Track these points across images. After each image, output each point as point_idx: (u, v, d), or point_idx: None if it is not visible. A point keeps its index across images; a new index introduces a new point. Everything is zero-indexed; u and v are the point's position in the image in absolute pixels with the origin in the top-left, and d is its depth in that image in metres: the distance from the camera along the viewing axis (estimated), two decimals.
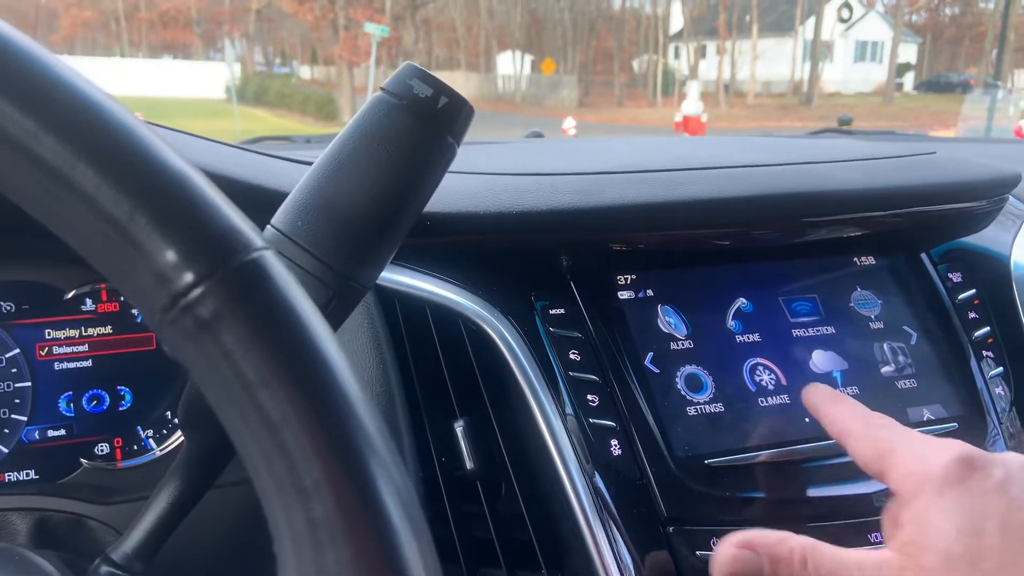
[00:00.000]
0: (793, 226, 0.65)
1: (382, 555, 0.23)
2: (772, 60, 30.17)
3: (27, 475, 0.63)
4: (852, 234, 0.68)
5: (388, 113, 0.41)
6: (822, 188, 0.63)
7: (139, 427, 0.66)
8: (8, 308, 0.62)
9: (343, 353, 0.26)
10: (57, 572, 0.44)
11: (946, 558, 0.36)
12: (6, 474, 0.62)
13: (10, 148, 0.23)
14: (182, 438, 0.66)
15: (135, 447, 0.65)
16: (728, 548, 0.41)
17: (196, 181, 0.25)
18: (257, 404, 0.24)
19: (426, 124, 0.41)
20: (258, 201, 0.54)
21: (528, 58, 35.57)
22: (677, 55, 35.57)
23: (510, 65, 35.33)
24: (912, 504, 0.39)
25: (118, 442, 0.65)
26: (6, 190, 0.25)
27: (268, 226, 0.41)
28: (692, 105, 11.71)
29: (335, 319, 0.42)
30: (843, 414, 0.47)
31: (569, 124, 10.65)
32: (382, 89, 0.42)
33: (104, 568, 0.45)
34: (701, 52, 32.87)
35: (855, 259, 0.69)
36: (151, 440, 0.66)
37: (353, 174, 0.40)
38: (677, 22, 34.81)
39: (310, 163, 0.63)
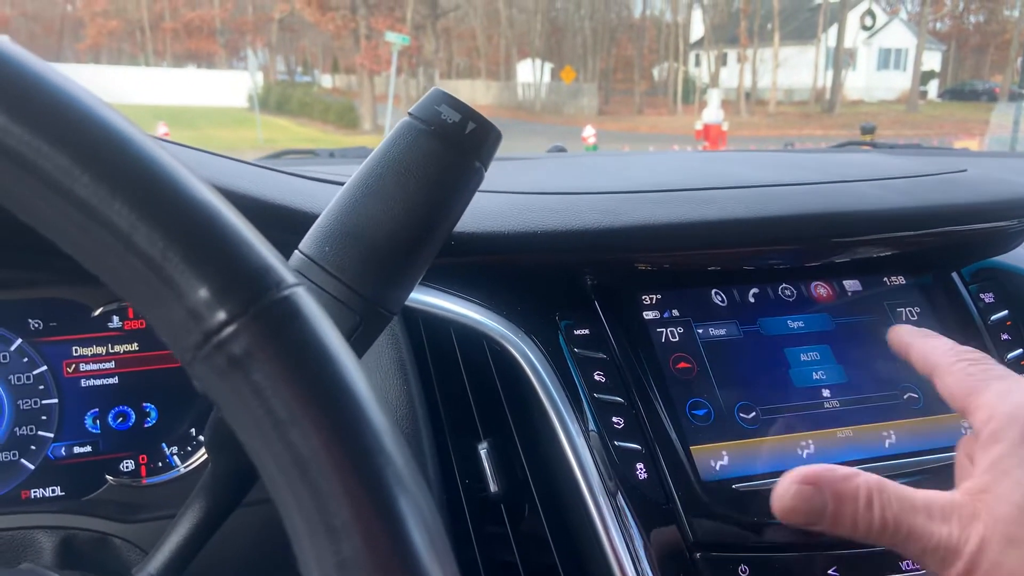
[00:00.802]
0: (823, 246, 0.64)
1: None
2: (794, 68, 30.02)
3: (52, 492, 0.63)
4: (883, 254, 0.67)
5: (416, 138, 0.41)
6: (852, 208, 0.62)
7: (164, 444, 0.66)
8: (36, 325, 0.63)
9: (372, 390, 0.26)
10: None
11: (1022, 509, 0.34)
12: (32, 490, 0.63)
13: (44, 185, 0.23)
14: (207, 455, 0.66)
15: (160, 464, 0.66)
16: (790, 483, 0.38)
17: (228, 217, 0.25)
18: (287, 442, 0.23)
19: (454, 149, 0.41)
20: (285, 222, 0.55)
21: (548, 66, 35.64)
22: (698, 63, 35.50)
23: (530, 73, 35.40)
24: (992, 448, 0.37)
25: (143, 459, 0.65)
26: (40, 226, 0.25)
27: (296, 251, 0.41)
28: (713, 113, 11.66)
29: (361, 344, 0.41)
30: (934, 347, 0.45)
31: (589, 132, 10.64)
32: (409, 114, 0.42)
33: None
34: (722, 60, 32.77)
35: (885, 279, 0.68)
36: (176, 457, 0.66)
37: (381, 200, 0.40)
38: (698, 30, 34.75)
39: (336, 182, 0.63)
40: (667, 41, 36.51)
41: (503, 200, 0.62)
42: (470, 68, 44.27)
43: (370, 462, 0.24)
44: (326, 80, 42.29)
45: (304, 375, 0.24)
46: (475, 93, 36.08)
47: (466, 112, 0.41)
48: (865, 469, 0.49)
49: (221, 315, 0.23)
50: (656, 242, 0.60)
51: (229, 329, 0.23)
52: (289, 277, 0.25)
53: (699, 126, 11.83)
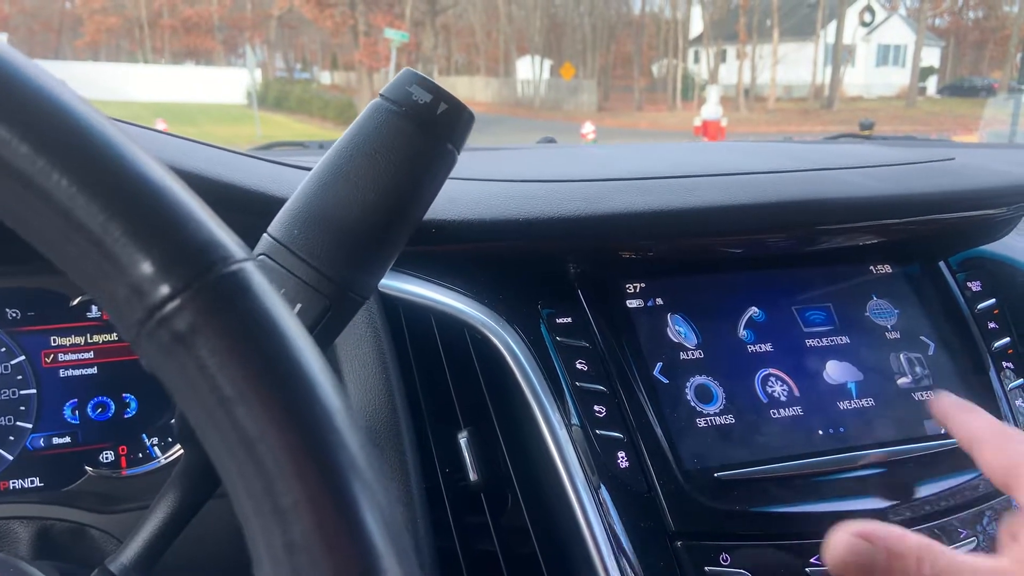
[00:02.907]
0: (807, 233, 0.63)
1: None
2: (793, 64, 29.97)
3: (32, 483, 0.63)
4: (868, 242, 0.67)
5: (386, 119, 0.40)
6: (835, 195, 0.62)
7: (144, 435, 0.65)
8: (14, 315, 0.62)
9: (326, 367, 0.25)
10: None
11: None
12: (10, 481, 0.62)
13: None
14: None
15: (140, 455, 0.65)
16: (846, 536, 0.39)
17: (175, 191, 0.24)
18: (234, 420, 0.23)
19: (425, 130, 0.40)
20: (261, 207, 0.54)
21: (547, 63, 35.57)
22: (697, 59, 35.43)
23: (529, 70, 35.34)
24: None
25: (123, 450, 0.65)
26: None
27: (265, 234, 0.41)
28: (712, 109, 11.65)
29: (332, 329, 0.41)
30: (975, 423, 0.45)
31: (588, 129, 10.63)
32: (380, 95, 0.41)
33: None
34: (721, 56, 32.71)
35: (871, 267, 0.68)
36: (156, 448, 0.65)
37: (350, 182, 0.40)
38: (697, 26, 34.69)
39: (308, 168, 0.63)
40: (666, 37, 36.44)
41: (484, 187, 0.61)
42: (469, 65, 44.19)
43: (321, 441, 0.23)
44: (325, 77, 42.21)
45: (251, 351, 0.23)
46: (474, 90, 36.02)
47: (438, 93, 0.40)
48: (854, 460, 0.48)
49: (164, 290, 0.23)
50: (638, 229, 0.59)
51: (173, 304, 0.23)
52: (238, 252, 0.25)
53: (698, 122, 11.81)
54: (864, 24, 30.53)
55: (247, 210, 0.52)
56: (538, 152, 0.86)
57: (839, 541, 0.39)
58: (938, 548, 0.38)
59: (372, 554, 0.23)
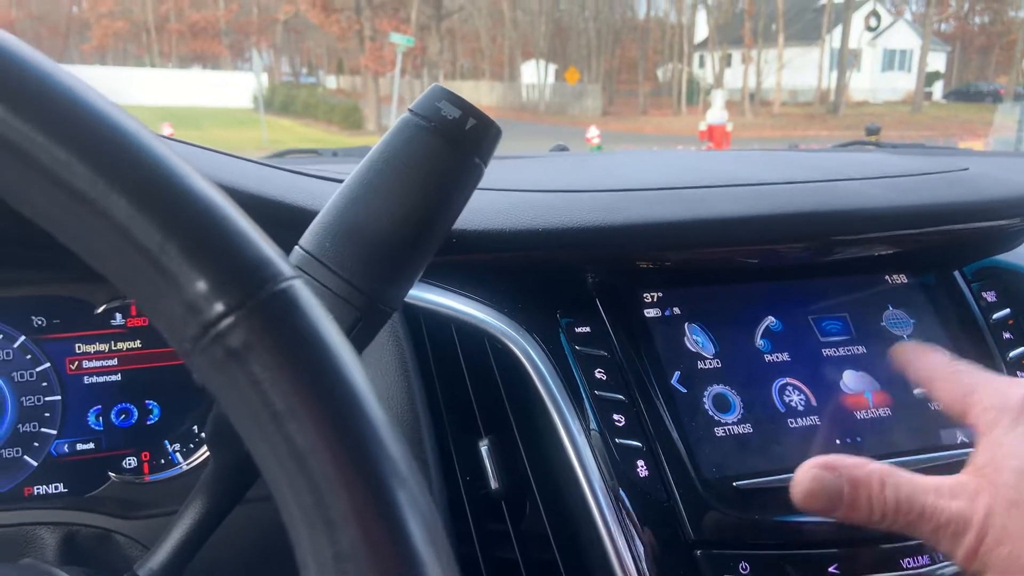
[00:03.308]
0: (822, 244, 0.64)
1: None
2: (798, 69, 29.96)
3: (56, 488, 0.63)
4: (883, 252, 0.67)
5: (416, 135, 0.41)
6: (851, 206, 0.62)
7: (166, 441, 0.66)
8: (40, 322, 0.63)
9: (370, 383, 0.26)
10: None
11: (1020, 474, 0.38)
12: (35, 487, 0.63)
13: (43, 177, 0.23)
14: (208, 453, 0.66)
15: (162, 461, 0.66)
16: (809, 469, 0.41)
17: (227, 210, 0.25)
18: (285, 434, 0.24)
19: (453, 145, 0.41)
20: (286, 219, 0.55)
21: (552, 67, 35.62)
22: (702, 64, 35.45)
23: (534, 74, 35.39)
24: (990, 434, 0.41)
25: (145, 456, 0.65)
26: (39, 219, 0.25)
27: (296, 247, 0.42)
28: (717, 114, 11.65)
29: (361, 340, 0.42)
30: (930, 362, 0.48)
31: (593, 133, 10.64)
32: (410, 111, 0.42)
33: None
34: (726, 61, 32.72)
35: (887, 277, 0.68)
36: (178, 454, 0.66)
37: (381, 195, 0.40)
38: (702, 31, 34.71)
39: (337, 179, 0.64)
40: (671, 42, 36.47)
41: (504, 198, 0.62)
42: (474, 69, 44.28)
43: (367, 455, 0.24)
44: (331, 81, 42.33)
45: (302, 367, 0.24)
46: (479, 94, 36.08)
47: (466, 108, 0.41)
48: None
49: (219, 307, 0.23)
50: (656, 240, 0.60)
51: (227, 321, 0.23)
52: (287, 270, 0.25)
53: (703, 127, 11.81)
54: (870, 29, 30.52)
55: (279, 223, 0.53)
56: (554, 161, 0.86)
57: (804, 474, 0.41)
58: (900, 472, 0.41)
59: (416, 563, 0.24)
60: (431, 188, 0.41)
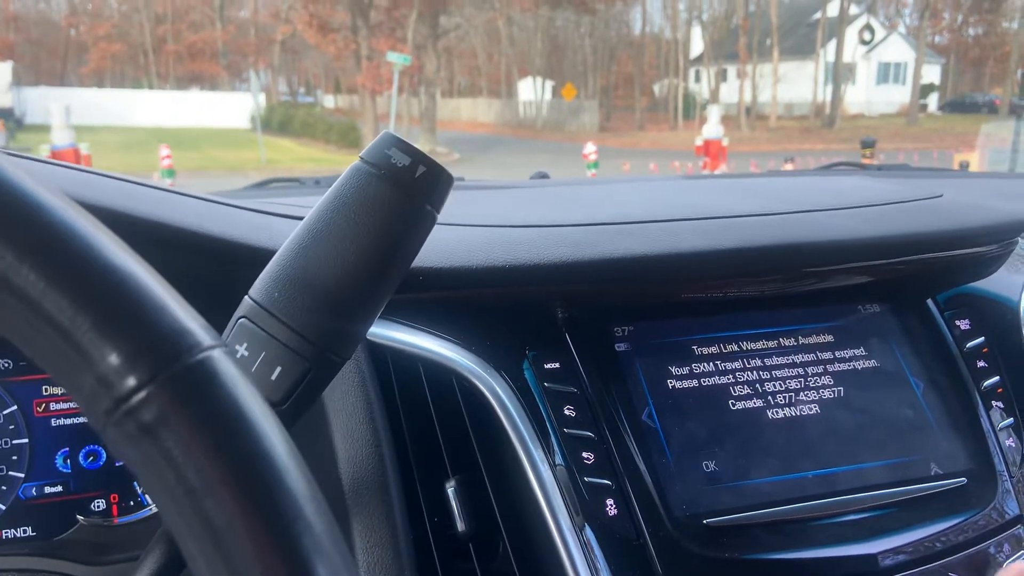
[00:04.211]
0: (793, 276, 0.64)
1: None
2: (794, 83, 30.09)
3: (24, 532, 0.63)
4: (856, 282, 0.67)
5: (366, 182, 0.41)
6: (821, 237, 0.62)
7: (135, 482, 0.65)
8: (5, 365, 0.63)
9: (293, 452, 0.25)
10: None
11: None
12: (3, 531, 0.62)
13: None
14: None
15: (131, 503, 0.65)
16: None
17: (141, 280, 0.25)
18: (200, 511, 0.23)
19: (403, 192, 0.40)
20: (249, 259, 0.54)
21: (549, 84, 35.75)
22: (698, 79, 35.60)
23: (531, 91, 35.53)
24: None
25: (114, 498, 0.65)
26: None
27: (246, 297, 0.41)
28: (713, 129, 11.66)
29: (313, 390, 0.41)
30: None
31: (590, 149, 10.65)
32: (360, 158, 0.42)
33: None
34: (722, 76, 32.87)
35: (860, 306, 0.68)
36: (147, 496, 0.66)
37: (330, 244, 0.40)
38: (697, 46, 34.89)
39: (293, 217, 0.63)
40: (667, 58, 36.65)
41: (470, 234, 0.62)
42: (471, 86, 44.46)
43: (286, 530, 0.24)
44: (328, 100, 42.50)
45: (217, 442, 0.24)
46: (476, 111, 36.22)
47: (416, 156, 0.41)
48: (846, 504, 0.48)
49: (131, 381, 0.23)
50: (623, 274, 0.60)
51: (139, 396, 0.23)
52: (205, 340, 0.25)
53: (700, 142, 11.83)
54: (864, 42, 30.68)
55: (236, 262, 0.53)
56: (529, 192, 0.86)
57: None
58: None
59: None
60: (381, 236, 0.40)
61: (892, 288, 0.69)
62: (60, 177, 0.53)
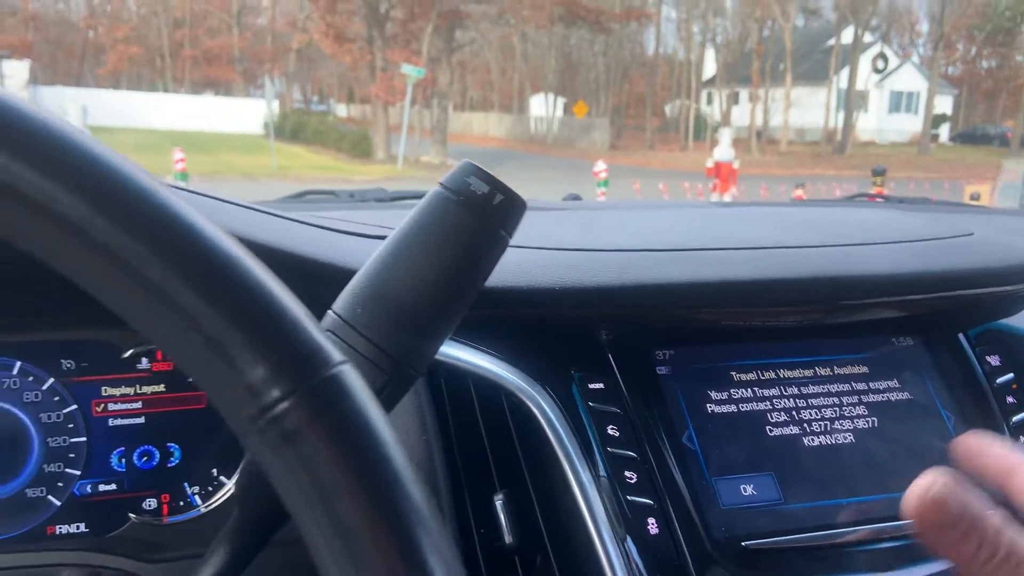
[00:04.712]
0: (831, 307, 0.66)
1: None
2: (805, 108, 30.20)
3: (77, 528, 0.65)
4: (890, 315, 0.69)
5: (447, 208, 0.43)
6: (861, 271, 0.64)
7: (186, 483, 0.67)
8: (68, 365, 0.65)
9: (409, 462, 0.27)
10: None
11: None
12: (57, 526, 0.64)
13: (118, 269, 0.25)
14: (227, 496, 0.68)
15: (181, 503, 0.67)
16: (939, 477, 0.38)
17: (284, 300, 0.27)
18: (332, 513, 0.25)
19: (481, 219, 0.43)
20: (326, 278, 0.57)
21: (561, 100, 35.96)
22: (710, 101, 35.76)
23: (543, 107, 35.71)
24: None
25: (165, 498, 0.67)
26: (110, 303, 0.27)
27: (329, 311, 0.43)
28: (724, 151, 11.72)
29: (389, 402, 0.43)
30: (1006, 455, 0.44)
31: (600, 167, 10.71)
32: (441, 184, 0.44)
33: None
34: (734, 99, 33.02)
35: (893, 339, 0.70)
36: (197, 497, 0.68)
37: (411, 265, 0.42)
38: (710, 68, 35.06)
39: (369, 236, 0.66)
40: (679, 79, 36.82)
41: (520, 255, 0.64)
42: (483, 101, 44.71)
43: (409, 533, 0.26)
44: (341, 109, 42.78)
45: (350, 450, 0.26)
46: (488, 125, 36.38)
47: (494, 184, 0.43)
48: (881, 532, 0.50)
49: (276, 392, 0.25)
50: (669, 300, 0.62)
51: (283, 405, 0.25)
52: (335, 356, 0.27)
53: (710, 164, 11.89)
54: (877, 71, 30.79)
55: (315, 279, 0.55)
56: (569, 214, 0.89)
57: (931, 480, 0.37)
58: (1017, 526, 0.37)
59: None
60: (459, 259, 0.43)
61: (924, 322, 0.71)
62: None
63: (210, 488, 0.68)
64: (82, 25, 39.37)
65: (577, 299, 0.61)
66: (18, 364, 0.64)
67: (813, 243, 0.68)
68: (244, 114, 27.30)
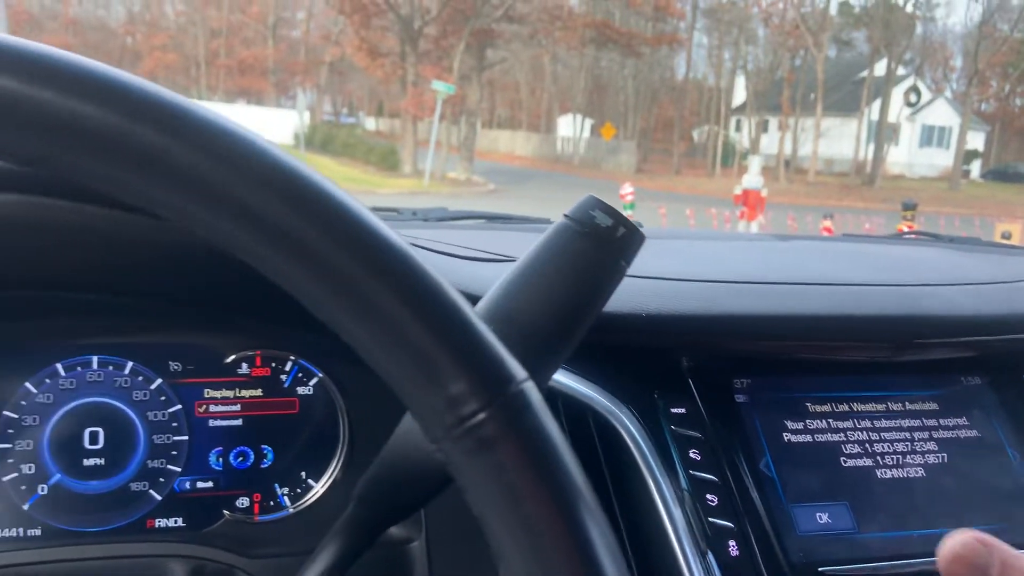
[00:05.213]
0: (904, 345, 0.68)
1: None
2: (835, 139, 30.12)
3: (175, 522, 0.68)
4: (959, 355, 0.71)
5: (571, 239, 0.46)
6: (935, 311, 0.67)
7: (277, 484, 0.71)
8: (175, 367, 0.69)
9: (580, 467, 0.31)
10: None
11: None
12: (157, 520, 0.68)
13: (340, 287, 0.29)
14: (315, 498, 0.71)
15: (271, 503, 0.70)
16: (961, 536, 0.38)
17: (476, 320, 0.30)
18: (522, 513, 0.28)
19: (604, 250, 0.46)
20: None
21: (588, 122, 36.09)
22: (738, 127, 35.75)
23: (570, 128, 35.86)
24: None
25: (257, 497, 0.70)
26: (320, 313, 0.30)
27: None
28: (753, 179, 11.68)
29: None
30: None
31: (627, 190, 10.73)
32: (566, 216, 0.47)
33: None
34: (763, 126, 32.99)
35: (962, 378, 0.72)
36: (286, 498, 0.71)
37: (538, 291, 0.45)
38: (740, 96, 35.09)
39: (488, 259, 0.69)
40: (709, 104, 36.88)
41: None
42: (511, 119, 44.96)
43: (587, 533, 0.29)
44: (369, 123, 43.19)
45: (538, 458, 0.29)
46: (515, 144, 36.56)
47: (616, 218, 0.46)
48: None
49: (474, 404, 0.28)
50: (751, 332, 0.64)
51: (479, 416, 0.28)
52: (521, 372, 0.30)
53: (738, 191, 11.85)
54: (909, 104, 30.66)
55: None
56: (650, 244, 0.92)
57: (954, 540, 0.38)
58: None
59: None
60: (582, 287, 0.46)
61: (991, 363, 0.73)
62: None
63: (299, 490, 0.71)
64: (120, 31, 40.15)
65: (662, 326, 0.63)
66: (130, 364, 0.67)
67: (888, 281, 0.71)
68: (275, 124, 27.62)
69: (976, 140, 33.38)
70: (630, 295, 0.65)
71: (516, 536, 0.28)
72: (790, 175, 27.74)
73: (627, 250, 0.47)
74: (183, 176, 0.27)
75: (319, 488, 0.71)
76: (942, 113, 32.20)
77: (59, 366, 0.66)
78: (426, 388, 0.29)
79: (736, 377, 0.67)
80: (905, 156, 31.82)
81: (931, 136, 32.33)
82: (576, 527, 0.29)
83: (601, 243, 0.46)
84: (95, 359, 0.67)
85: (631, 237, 0.47)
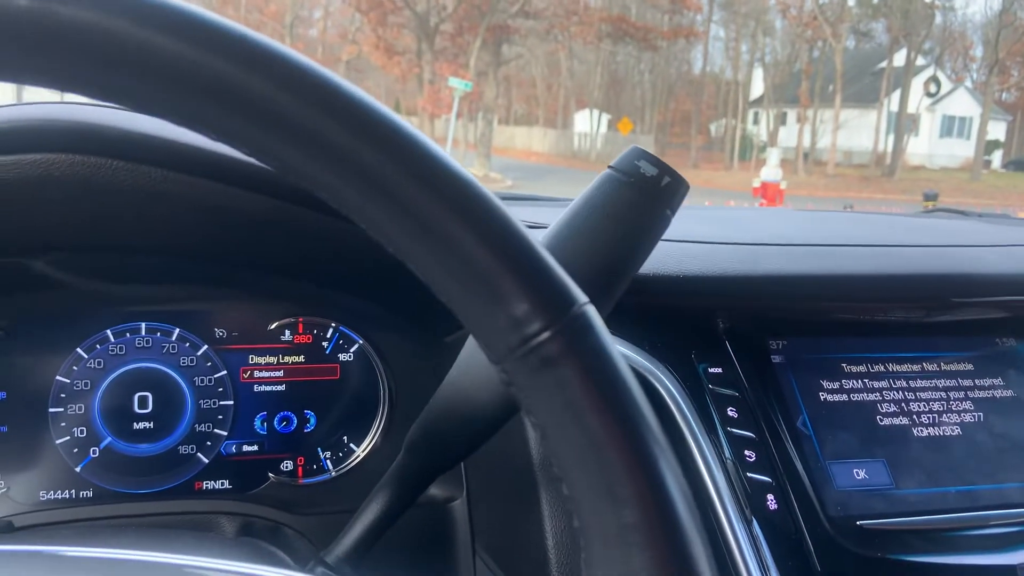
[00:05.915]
0: (941, 305, 0.68)
1: (681, 559, 0.29)
2: (854, 130, 29.84)
3: (222, 484, 0.70)
4: (994, 316, 0.71)
5: (618, 189, 0.47)
6: (972, 270, 0.67)
7: (319, 448, 0.72)
8: (221, 334, 0.70)
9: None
10: (291, 562, 0.50)
11: None
12: (204, 482, 0.70)
13: (415, 217, 0.30)
14: (356, 461, 0.72)
15: (315, 467, 0.72)
16: None
17: (539, 247, 0.31)
18: (586, 427, 0.29)
19: (650, 199, 0.47)
20: None
21: (605, 117, 35.98)
22: (756, 121, 35.50)
23: (587, 123, 35.78)
24: None
25: (300, 460, 0.72)
26: (407, 257, 0.31)
27: None
28: (771, 172, 11.61)
29: None
30: None
31: None
32: (611, 167, 0.48)
33: (319, 569, 0.51)
34: (781, 119, 32.75)
35: (997, 339, 0.72)
36: (329, 461, 0.72)
37: (585, 240, 0.46)
38: (757, 88, 34.84)
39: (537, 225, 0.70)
40: (726, 98, 36.66)
41: None
42: (528, 115, 44.91)
43: (648, 446, 0.30)
44: None
45: (600, 375, 0.30)
46: (531, 140, 36.51)
47: (662, 167, 0.47)
48: (987, 519, 0.53)
49: (537, 324, 0.30)
50: (788, 292, 0.65)
51: (543, 336, 0.29)
52: (581, 296, 0.31)
53: (757, 183, 11.77)
54: (929, 95, 30.32)
55: None
56: (687, 211, 0.92)
57: None
58: None
59: (687, 538, 0.29)
60: (628, 235, 0.47)
61: None
62: None
63: (341, 454, 0.73)
64: None
65: (699, 287, 0.64)
66: (177, 331, 0.69)
67: (926, 243, 0.71)
68: None
69: (997, 130, 32.96)
70: (668, 257, 0.66)
71: (579, 449, 0.30)
72: (809, 167, 27.53)
73: (673, 199, 0.48)
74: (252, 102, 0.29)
75: (360, 452, 0.73)
76: (962, 103, 31.81)
77: (109, 332, 0.68)
78: (491, 309, 0.30)
79: (772, 338, 0.68)
80: (925, 147, 31.48)
81: (951, 126, 31.96)
82: (638, 440, 0.30)
83: (646, 192, 0.47)
84: (143, 325, 0.69)
85: (676, 186, 0.48)
